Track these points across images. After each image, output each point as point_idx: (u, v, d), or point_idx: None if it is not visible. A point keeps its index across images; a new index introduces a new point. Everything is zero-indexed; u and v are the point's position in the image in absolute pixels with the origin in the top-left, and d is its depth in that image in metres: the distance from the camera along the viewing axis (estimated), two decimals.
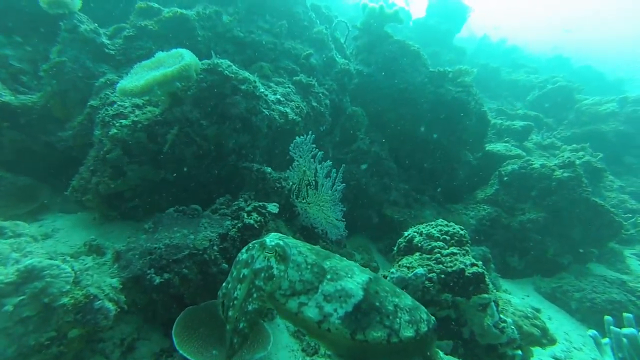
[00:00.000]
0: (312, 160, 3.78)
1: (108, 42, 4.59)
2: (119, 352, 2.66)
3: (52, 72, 4.27)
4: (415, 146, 7.27)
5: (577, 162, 7.02)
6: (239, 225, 3.20)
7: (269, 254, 2.18)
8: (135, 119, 3.60)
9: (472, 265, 3.10)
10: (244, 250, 2.25)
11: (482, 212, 6.87)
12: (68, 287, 2.21)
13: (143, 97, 3.62)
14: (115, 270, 2.69)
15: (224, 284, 2.27)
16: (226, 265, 2.99)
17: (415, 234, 3.67)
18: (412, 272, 3.16)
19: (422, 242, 3.53)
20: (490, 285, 3.01)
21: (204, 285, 2.92)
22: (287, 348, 3.37)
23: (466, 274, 3.03)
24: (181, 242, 2.88)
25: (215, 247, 3.00)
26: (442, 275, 3.09)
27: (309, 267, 2.30)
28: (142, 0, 4.88)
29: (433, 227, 3.65)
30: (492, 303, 2.88)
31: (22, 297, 2.10)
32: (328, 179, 3.75)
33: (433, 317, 2.57)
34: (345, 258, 2.65)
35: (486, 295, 2.89)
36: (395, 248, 3.80)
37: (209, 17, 5.10)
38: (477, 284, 2.99)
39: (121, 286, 2.57)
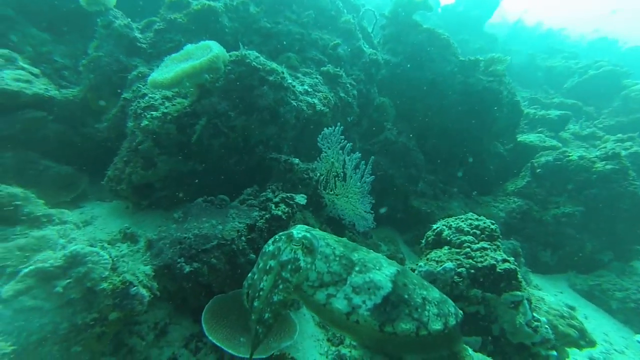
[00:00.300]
0: (340, 151, 3.74)
1: (140, 36, 4.72)
2: (153, 335, 2.79)
3: (90, 67, 4.45)
4: (443, 137, 7.07)
5: (623, 153, 6.59)
6: (267, 216, 3.24)
7: (295, 246, 2.18)
8: (165, 110, 3.69)
9: (504, 261, 3.00)
10: (270, 242, 2.27)
11: (512, 205, 6.64)
12: (107, 273, 2.32)
13: (173, 89, 3.70)
14: (147, 258, 2.80)
15: (249, 275, 2.31)
16: (254, 256, 3.04)
17: (444, 227, 3.59)
18: (441, 266, 3.09)
19: (451, 236, 3.45)
20: (523, 283, 2.90)
21: (232, 274, 2.98)
22: (312, 337, 3.41)
23: (497, 270, 2.93)
24: (210, 232, 2.95)
25: (243, 238, 3.05)
26: (472, 271, 3.01)
27: (337, 259, 2.30)
28: None
29: (463, 221, 3.55)
30: (525, 301, 2.77)
31: (69, 280, 2.24)
32: (357, 171, 3.71)
33: (461, 311, 2.53)
34: (372, 250, 2.64)
35: (518, 293, 2.79)
36: (423, 241, 3.73)
37: (236, 8, 5.12)
38: (508, 280, 2.89)
39: (153, 273, 2.67)
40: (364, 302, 2.18)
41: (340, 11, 6.07)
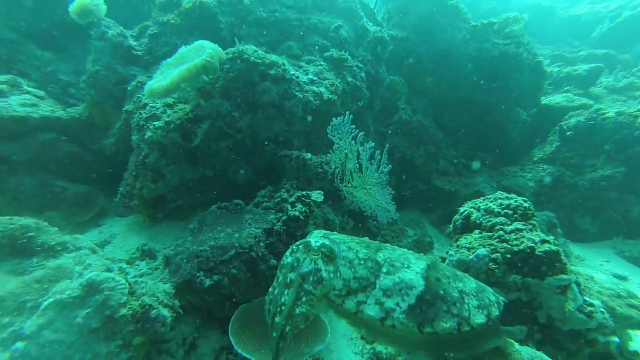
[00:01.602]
0: (352, 142, 3.52)
1: (135, 43, 4.59)
2: (183, 351, 2.74)
3: (89, 82, 4.38)
4: (461, 109, 6.68)
5: None
6: (284, 218, 3.09)
7: (315, 256, 2.03)
8: (168, 119, 3.57)
9: (543, 242, 2.75)
10: (288, 252, 2.12)
11: (541, 173, 6.24)
12: (125, 298, 2.26)
13: (171, 95, 3.56)
14: (166, 275, 2.73)
15: (270, 289, 2.19)
16: (275, 261, 2.92)
17: (472, 209, 3.34)
18: (473, 253, 2.88)
19: (481, 219, 3.21)
20: (569, 264, 2.64)
21: (254, 282, 2.87)
22: (345, 336, 3.28)
23: (536, 252, 2.69)
24: (226, 242, 2.84)
25: (261, 244, 2.93)
26: (508, 255, 2.79)
27: (361, 262, 2.14)
28: None
29: (492, 201, 3.30)
30: (574, 284, 2.53)
31: (88, 310, 2.19)
32: (372, 161, 3.48)
33: (502, 297, 2.34)
34: (396, 246, 2.47)
35: (564, 276, 2.55)
36: (451, 226, 3.50)
37: (229, 1, 4.88)
38: (550, 263, 2.65)
39: (174, 291, 2.60)
40: (397, 304, 2.03)
41: None
